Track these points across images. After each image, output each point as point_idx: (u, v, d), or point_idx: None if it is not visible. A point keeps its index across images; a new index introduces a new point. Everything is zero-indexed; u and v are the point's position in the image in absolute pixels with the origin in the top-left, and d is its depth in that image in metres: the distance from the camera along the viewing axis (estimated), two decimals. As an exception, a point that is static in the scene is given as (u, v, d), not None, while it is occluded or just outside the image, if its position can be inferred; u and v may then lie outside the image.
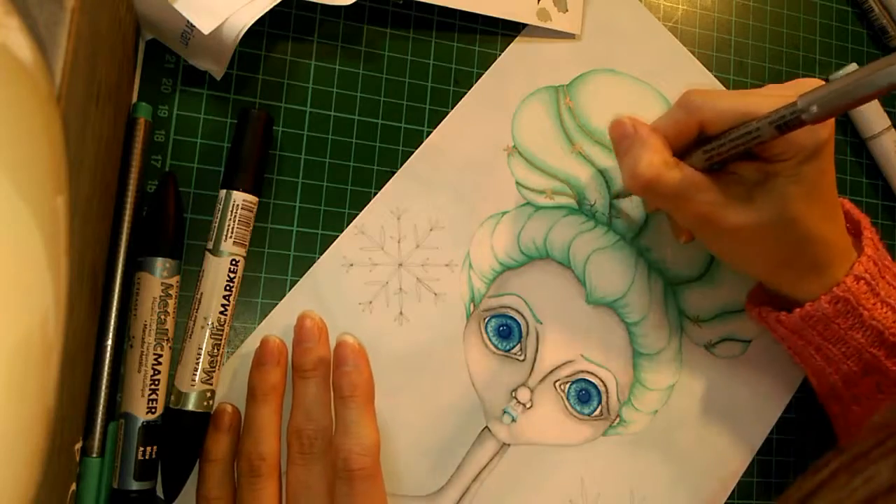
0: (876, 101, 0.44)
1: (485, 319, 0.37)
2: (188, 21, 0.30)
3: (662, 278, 0.39)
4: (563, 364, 0.37)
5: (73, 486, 0.28)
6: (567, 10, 0.39)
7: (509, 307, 0.37)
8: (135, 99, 0.33)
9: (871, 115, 0.44)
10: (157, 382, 0.30)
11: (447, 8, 0.37)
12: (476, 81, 0.38)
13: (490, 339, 0.37)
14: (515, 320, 0.37)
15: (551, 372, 0.37)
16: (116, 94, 0.29)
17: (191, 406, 0.31)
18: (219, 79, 0.34)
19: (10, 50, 0.18)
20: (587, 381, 0.38)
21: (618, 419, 0.38)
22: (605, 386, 0.38)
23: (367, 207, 0.36)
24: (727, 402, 0.40)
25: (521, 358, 0.37)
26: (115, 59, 0.28)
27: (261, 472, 0.30)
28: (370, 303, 0.35)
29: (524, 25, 0.39)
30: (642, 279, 0.39)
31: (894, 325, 0.32)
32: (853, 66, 0.44)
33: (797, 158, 0.30)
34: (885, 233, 0.45)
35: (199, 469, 0.31)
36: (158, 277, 0.30)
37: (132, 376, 0.30)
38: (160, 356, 0.30)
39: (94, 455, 0.29)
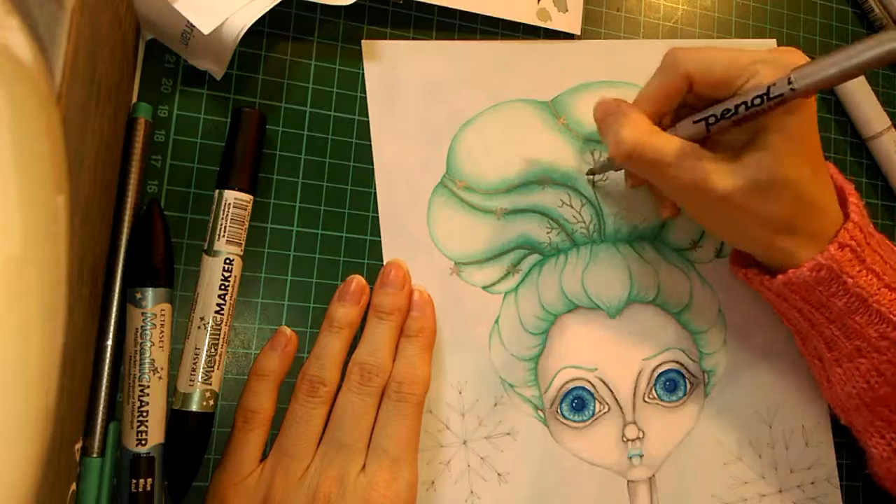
0: (876, 100, 0.44)
1: (557, 411, 0.37)
2: (188, 21, 0.30)
3: (635, 236, 0.39)
4: (637, 381, 0.38)
5: (73, 486, 0.28)
6: (567, 10, 0.39)
7: (564, 383, 0.37)
8: (135, 99, 0.33)
9: (871, 115, 0.44)
10: (144, 414, 0.30)
11: (447, 8, 0.37)
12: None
13: (574, 421, 0.37)
14: (577, 388, 0.37)
15: (634, 396, 0.38)
16: (116, 94, 0.29)
17: (193, 407, 0.31)
18: (219, 79, 0.34)
19: (10, 50, 0.18)
20: (663, 373, 0.38)
21: (706, 375, 0.39)
22: (678, 363, 0.39)
23: None
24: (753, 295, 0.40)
25: (606, 409, 0.37)
26: (115, 59, 0.28)
27: (318, 394, 0.32)
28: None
29: (524, 25, 0.39)
30: (630, 255, 0.39)
31: (879, 293, 0.32)
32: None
33: (781, 107, 0.29)
34: (885, 233, 0.45)
35: (246, 382, 0.33)
36: (139, 308, 0.30)
37: (124, 406, 0.30)
38: (146, 387, 0.30)
39: (94, 455, 0.29)
